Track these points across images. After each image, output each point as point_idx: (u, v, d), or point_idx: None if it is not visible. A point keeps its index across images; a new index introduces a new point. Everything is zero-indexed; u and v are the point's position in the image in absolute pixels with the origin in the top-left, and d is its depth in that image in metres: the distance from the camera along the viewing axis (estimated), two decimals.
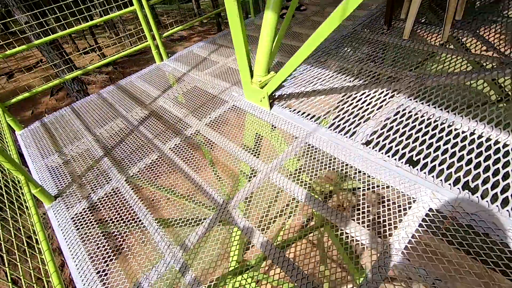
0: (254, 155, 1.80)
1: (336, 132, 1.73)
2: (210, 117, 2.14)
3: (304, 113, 1.94)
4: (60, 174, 1.94)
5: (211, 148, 1.92)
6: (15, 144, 1.92)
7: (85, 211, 1.65)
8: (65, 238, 1.53)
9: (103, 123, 2.36)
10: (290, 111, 1.97)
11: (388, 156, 1.52)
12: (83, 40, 17.21)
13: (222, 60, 2.90)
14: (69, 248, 1.48)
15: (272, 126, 1.97)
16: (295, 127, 1.87)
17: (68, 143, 2.21)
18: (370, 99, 1.91)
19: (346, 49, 2.58)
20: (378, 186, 1.43)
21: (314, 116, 1.90)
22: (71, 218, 1.63)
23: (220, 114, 2.15)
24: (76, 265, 1.40)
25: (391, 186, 1.40)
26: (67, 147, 2.18)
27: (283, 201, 1.50)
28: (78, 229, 1.57)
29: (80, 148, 2.15)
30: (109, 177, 1.82)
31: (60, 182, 1.87)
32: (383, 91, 1.95)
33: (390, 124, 1.69)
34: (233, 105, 2.20)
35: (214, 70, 2.74)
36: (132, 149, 2.01)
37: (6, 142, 1.88)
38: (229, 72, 2.65)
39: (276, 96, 2.16)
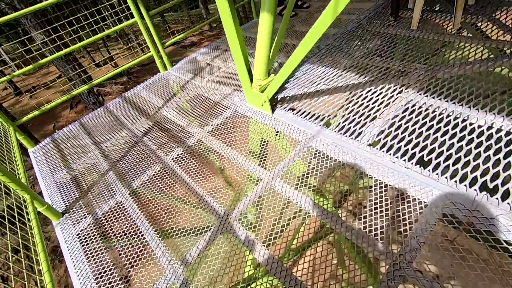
0: (258, 162, 1.75)
1: (340, 133, 1.64)
2: (212, 125, 2.10)
3: (307, 115, 1.86)
4: (67, 190, 1.97)
5: (212, 156, 1.88)
6: (23, 162, 1.97)
7: (90, 226, 1.66)
8: (71, 255, 1.54)
9: (109, 136, 2.38)
10: (293, 114, 1.90)
11: (397, 157, 1.42)
12: (98, 53, 17.85)
13: (225, 65, 2.86)
14: (74, 265, 1.49)
15: (276, 130, 1.90)
16: (298, 131, 1.80)
17: (76, 158, 2.24)
18: (376, 97, 1.81)
19: (351, 44, 2.48)
20: (386, 190, 1.34)
21: (318, 117, 1.82)
22: (77, 235, 1.64)
23: (222, 121, 2.11)
24: (80, 283, 1.40)
25: (401, 190, 1.31)
26: (75, 162, 2.21)
27: (286, 210, 1.43)
28: (83, 245, 1.57)
29: (87, 162, 2.17)
30: (114, 191, 1.83)
31: (68, 198, 1.90)
32: (390, 87, 1.84)
33: (398, 122, 1.59)
34: (235, 111, 2.16)
35: (216, 76, 2.71)
36: (136, 162, 2.01)
37: (15, 161, 1.93)
38: (232, 77, 2.61)
39: (278, 99, 2.09)
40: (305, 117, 1.85)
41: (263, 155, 1.80)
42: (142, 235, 1.51)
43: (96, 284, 1.38)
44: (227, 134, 1.98)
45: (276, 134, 1.93)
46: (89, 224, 1.67)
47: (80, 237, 1.62)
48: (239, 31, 1.74)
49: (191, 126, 2.17)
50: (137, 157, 2.05)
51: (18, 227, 1.27)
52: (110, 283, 1.36)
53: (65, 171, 2.15)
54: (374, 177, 1.40)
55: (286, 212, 1.41)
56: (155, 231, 1.52)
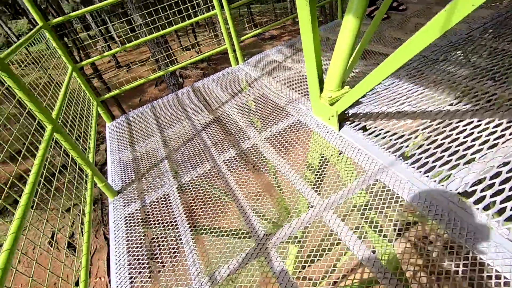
0: (312, 184, 1.55)
1: (420, 171, 1.33)
2: (270, 131, 1.97)
3: (380, 140, 1.57)
4: (127, 169, 2.08)
5: (264, 166, 1.75)
6: (95, 137, 2.15)
7: (137, 212, 1.71)
8: (115, 236, 1.61)
9: (172, 124, 2.45)
10: (363, 135, 1.63)
11: (497, 222, 1.07)
12: (186, 37, 19.36)
13: (297, 66, 2.68)
14: (116, 249, 1.54)
15: (339, 151, 1.67)
16: (366, 157, 1.53)
17: (140, 140, 2.37)
18: (479, 132, 1.42)
19: (453, 60, 2.04)
20: (473, 265, 1.01)
21: (393, 145, 1.52)
22: (124, 217, 1.70)
23: (282, 129, 1.95)
24: (116, 269, 1.43)
25: (503, 275, 0.97)
26: (139, 143, 2.34)
27: (334, 252, 1.22)
28: (127, 230, 1.62)
29: (149, 146, 2.27)
30: (164, 182, 1.85)
31: (125, 178, 2.00)
32: (502, 123, 1.42)
33: (507, 173, 1.20)
34: (298, 120, 1.98)
35: (286, 78, 2.55)
36: (190, 156, 2.01)
37: (90, 134, 2.11)
38: (302, 81, 2.42)
39: (349, 114, 1.83)
40: (377, 141, 1.57)
41: (319, 176, 1.60)
42: (179, 236, 1.48)
43: (128, 273, 1.40)
44: (285, 144, 1.82)
45: (339, 155, 1.70)
46: (136, 210, 1.73)
47: (126, 220, 1.68)
48: (315, 32, 1.54)
49: (249, 128, 2.07)
50: (192, 151, 2.04)
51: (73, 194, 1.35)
52: (140, 277, 1.36)
53: (129, 151, 2.28)
54: (458, 242, 1.08)
55: (333, 255, 1.20)
56: (192, 234, 1.48)
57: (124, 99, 13.13)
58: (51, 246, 5.88)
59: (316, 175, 1.63)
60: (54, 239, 6.10)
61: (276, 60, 2.95)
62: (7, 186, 1.16)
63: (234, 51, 3.04)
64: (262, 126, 2.05)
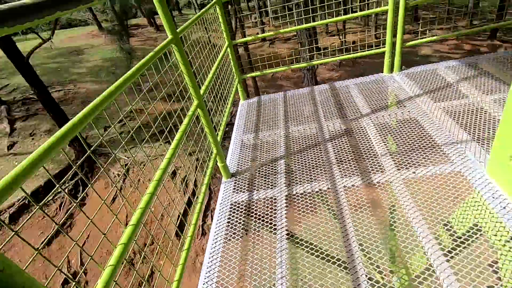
0: (442, 248, 1.17)
1: None
2: (414, 171, 1.58)
3: None
4: (245, 154, 2.12)
5: (393, 214, 1.43)
6: (228, 116, 2.25)
7: (243, 204, 1.72)
8: (218, 217, 1.67)
9: (299, 121, 2.33)
10: None
11: None
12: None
13: (475, 95, 2.05)
14: (216, 229, 1.60)
15: (510, 239, 1.17)
16: None
17: (265, 129, 2.37)
18: None
19: None
20: None
21: None
22: (230, 204, 1.74)
23: (431, 175, 1.53)
24: (211, 247, 1.48)
25: None
26: (262, 131, 2.34)
27: None
28: (229, 216, 1.65)
29: (271, 137, 2.24)
30: (275, 184, 1.78)
31: (241, 163, 2.04)
32: None
33: None
34: (459, 172, 1.50)
35: (454, 106, 1.99)
36: (309, 165, 1.86)
37: (224, 111, 2.23)
38: (478, 118, 1.83)
39: None
40: None
41: (459, 245, 1.18)
42: (274, 249, 1.39)
43: (221, 256, 1.42)
44: (429, 197, 1.43)
45: (509, 241, 1.20)
46: (243, 201, 1.74)
47: (231, 207, 1.71)
48: None
49: (386, 158, 1.73)
50: (312, 161, 1.88)
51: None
52: (230, 264, 1.36)
53: (252, 136, 2.32)
54: None
55: None
56: (288, 245, 1.36)
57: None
58: (171, 181, 7.13)
59: (454, 241, 1.22)
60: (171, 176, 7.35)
61: (445, 79, 2.35)
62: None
63: (393, 55, 2.59)
64: (403, 161, 1.68)
